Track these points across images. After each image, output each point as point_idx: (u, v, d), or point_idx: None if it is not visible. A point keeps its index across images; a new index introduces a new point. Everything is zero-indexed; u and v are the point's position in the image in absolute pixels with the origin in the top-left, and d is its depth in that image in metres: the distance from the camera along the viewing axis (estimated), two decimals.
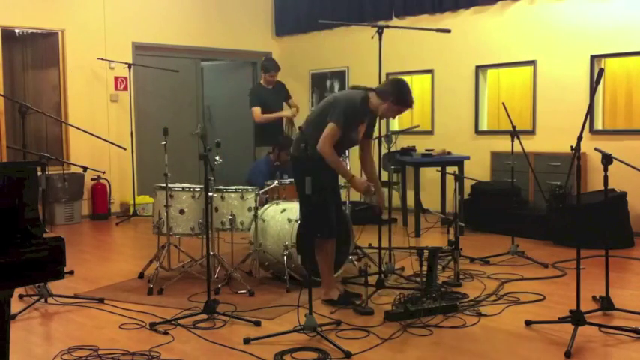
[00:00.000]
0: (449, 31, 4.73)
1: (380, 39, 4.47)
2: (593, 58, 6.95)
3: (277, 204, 5.05)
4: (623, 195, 6.22)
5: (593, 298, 4.28)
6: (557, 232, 6.24)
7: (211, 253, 4.71)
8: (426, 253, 4.45)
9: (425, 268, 4.49)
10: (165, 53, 9.09)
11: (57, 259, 2.50)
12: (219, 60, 10.40)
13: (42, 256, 2.46)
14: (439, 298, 4.15)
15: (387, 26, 4.53)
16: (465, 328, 3.84)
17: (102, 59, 8.29)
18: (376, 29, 4.47)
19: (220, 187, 5.11)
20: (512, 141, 5.62)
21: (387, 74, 8.74)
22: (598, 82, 3.85)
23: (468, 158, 7.13)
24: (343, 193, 5.61)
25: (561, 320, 3.76)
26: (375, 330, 3.79)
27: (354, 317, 4.05)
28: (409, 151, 7.31)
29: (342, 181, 4.82)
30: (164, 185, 5.10)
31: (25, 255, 2.42)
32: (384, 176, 6.18)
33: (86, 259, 6.01)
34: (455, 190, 5.44)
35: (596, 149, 3.97)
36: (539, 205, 6.89)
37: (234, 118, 10.50)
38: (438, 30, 4.78)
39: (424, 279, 4.53)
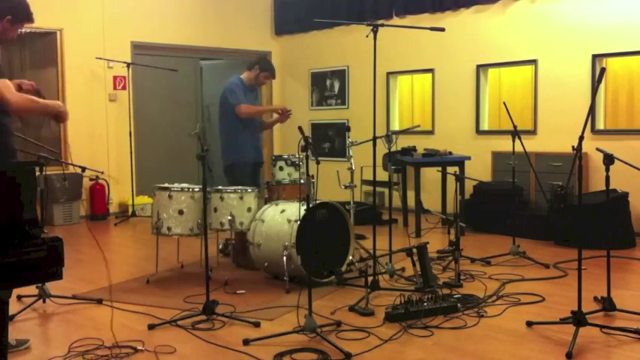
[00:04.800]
0: (443, 29, 4.70)
1: (375, 37, 4.43)
2: (594, 57, 6.93)
3: (277, 204, 5.03)
4: (625, 195, 6.19)
5: (595, 298, 4.25)
6: (559, 233, 6.22)
7: None
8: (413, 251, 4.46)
9: (418, 266, 4.50)
10: (164, 52, 9.06)
11: (55, 260, 2.48)
12: (219, 59, 10.38)
13: (40, 256, 2.44)
14: (439, 296, 4.12)
15: (382, 25, 4.48)
16: (466, 329, 3.82)
17: (100, 58, 8.26)
18: (371, 28, 4.43)
19: (219, 187, 5.09)
20: (514, 141, 5.59)
21: (388, 73, 8.74)
22: (600, 81, 3.82)
23: (468, 158, 7.10)
24: (347, 193, 5.60)
25: (563, 321, 3.74)
26: (376, 331, 3.77)
27: (355, 318, 4.03)
28: (409, 150, 7.28)
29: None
30: (163, 185, 5.08)
31: (23, 255, 2.40)
32: (385, 176, 6.15)
33: (84, 259, 5.99)
34: (456, 190, 5.42)
35: (597, 149, 3.94)
36: (541, 205, 6.87)
37: None
38: (431, 28, 4.74)
39: (420, 278, 4.52)
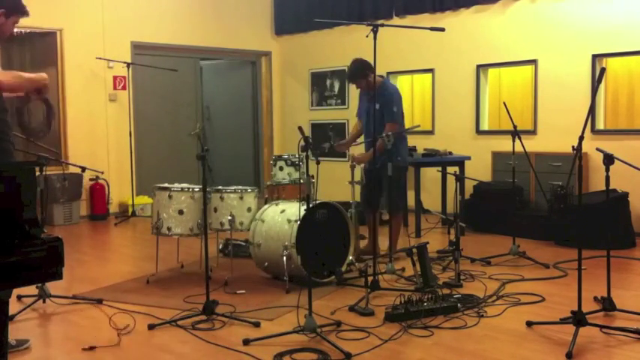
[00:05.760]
0: (443, 29, 4.69)
1: (375, 38, 4.43)
2: (594, 57, 6.92)
3: (277, 204, 5.02)
4: (625, 195, 6.19)
5: (595, 298, 4.25)
6: (559, 233, 6.21)
7: None
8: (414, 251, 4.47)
9: (418, 266, 4.50)
10: (164, 52, 9.06)
11: (55, 260, 2.48)
12: (219, 59, 10.38)
13: (40, 256, 2.44)
14: (439, 296, 4.12)
15: (382, 25, 4.48)
16: (466, 329, 3.82)
17: (100, 58, 8.26)
18: (371, 28, 4.43)
19: (219, 187, 5.09)
20: (514, 141, 5.59)
21: (388, 73, 8.74)
22: (600, 81, 3.82)
23: (468, 158, 7.10)
24: (346, 193, 5.61)
25: (563, 321, 3.74)
26: (376, 331, 3.77)
27: (355, 318, 4.02)
28: (410, 150, 7.27)
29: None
30: (163, 185, 5.08)
31: (23, 255, 2.40)
32: None
33: (84, 259, 5.99)
34: (456, 190, 5.42)
35: (597, 149, 3.94)
36: (541, 205, 6.86)
37: (234, 117, 10.50)
38: (432, 28, 4.74)
39: (420, 278, 4.52)
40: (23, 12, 3.56)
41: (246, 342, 3.59)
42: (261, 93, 10.37)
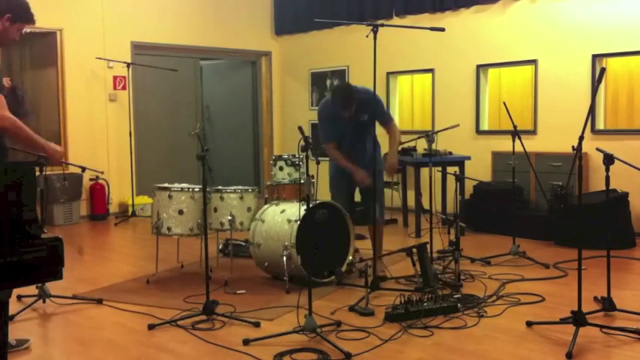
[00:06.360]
0: (443, 29, 4.69)
1: (375, 37, 4.43)
2: (594, 57, 6.92)
3: (277, 204, 5.02)
4: (625, 195, 6.19)
5: (595, 298, 4.25)
6: (559, 233, 6.21)
7: None
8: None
9: (418, 266, 4.50)
10: (164, 52, 9.06)
11: (55, 260, 2.48)
12: (219, 59, 10.38)
13: (40, 256, 2.44)
14: (439, 296, 4.12)
15: (382, 25, 4.47)
16: (466, 329, 3.82)
17: (100, 58, 8.26)
18: (371, 28, 4.43)
19: (219, 187, 5.09)
20: (514, 141, 5.59)
21: (388, 73, 8.74)
22: (600, 81, 3.81)
23: (468, 158, 7.10)
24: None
25: (563, 321, 3.74)
26: (376, 331, 3.77)
27: (354, 318, 4.03)
28: (409, 150, 7.27)
29: None
30: (163, 185, 5.08)
31: (23, 255, 2.40)
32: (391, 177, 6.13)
33: (85, 259, 5.99)
34: (456, 190, 5.42)
35: (597, 149, 3.94)
36: (541, 205, 6.87)
37: (234, 117, 10.51)
38: (432, 28, 4.73)
39: (420, 278, 4.52)
40: (30, 21, 3.58)
41: (246, 342, 3.59)
42: (261, 93, 10.37)
